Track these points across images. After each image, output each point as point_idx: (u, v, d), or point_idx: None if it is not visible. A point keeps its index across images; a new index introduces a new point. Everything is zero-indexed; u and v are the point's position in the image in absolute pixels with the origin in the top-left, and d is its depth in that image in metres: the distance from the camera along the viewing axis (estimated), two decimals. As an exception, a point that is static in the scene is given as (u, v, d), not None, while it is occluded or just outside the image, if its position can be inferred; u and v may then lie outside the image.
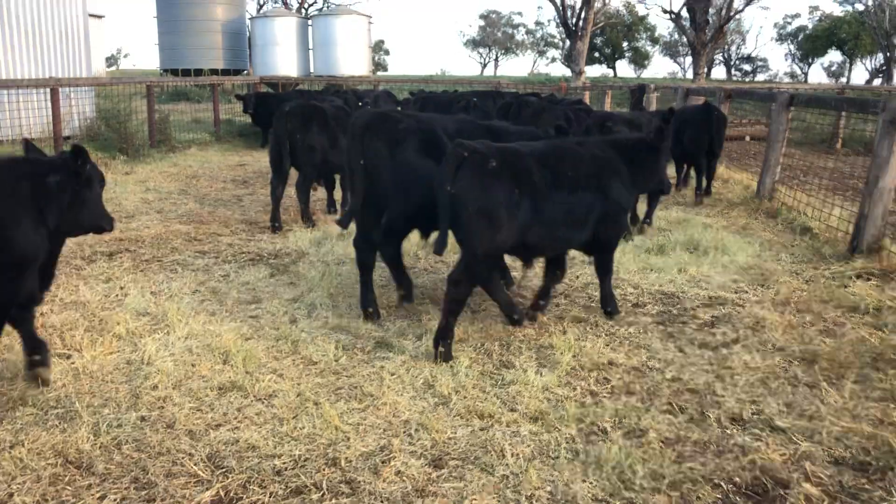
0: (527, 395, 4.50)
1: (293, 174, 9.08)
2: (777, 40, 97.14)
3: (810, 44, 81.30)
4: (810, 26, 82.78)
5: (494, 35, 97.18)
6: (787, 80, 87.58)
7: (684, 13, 39.83)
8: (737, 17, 46.62)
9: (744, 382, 4.76)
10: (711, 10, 39.14)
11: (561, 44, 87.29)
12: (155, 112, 15.72)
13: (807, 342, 5.44)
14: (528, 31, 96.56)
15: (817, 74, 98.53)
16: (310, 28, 35.79)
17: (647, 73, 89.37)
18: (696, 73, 38.49)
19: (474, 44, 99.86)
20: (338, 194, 9.91)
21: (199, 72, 34.09)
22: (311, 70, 35.84)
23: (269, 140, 9.83)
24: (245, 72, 37.53)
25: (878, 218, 7.40)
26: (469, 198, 4.85)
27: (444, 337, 5.02)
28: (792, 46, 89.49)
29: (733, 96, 13.14)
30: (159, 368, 4.75)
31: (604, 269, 5.89)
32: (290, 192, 9.37)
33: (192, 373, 4.74)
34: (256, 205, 10.45)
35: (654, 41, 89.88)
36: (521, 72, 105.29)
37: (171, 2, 35.32)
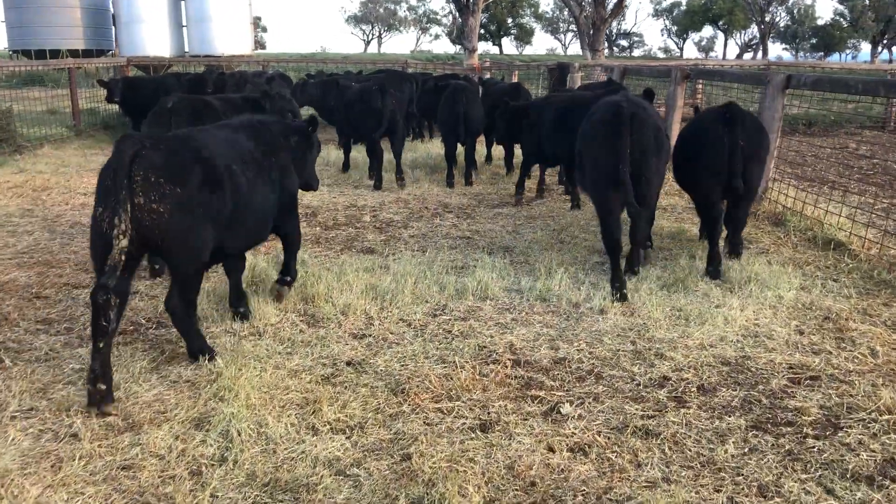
0: None
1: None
2: (653, 16, 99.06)
3: (688, 19, 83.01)
4: (684, 2, 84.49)
5: (376, 11, 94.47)
6: (661, 55, 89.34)
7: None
8: (629, -8, 45.98)
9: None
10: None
11: (445, 21, 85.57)
12: (-8, 104, 12.54)
13: None
14: (411, 8, 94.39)
15: (691, 50, 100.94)
16: (182, 3, 32.22)
17: (529, 51, 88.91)
18: (594, 50, 37.40)
19: (356, 20, 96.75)
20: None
21: (55, 53, 30.06)
22: (186, 49, 32.34)
23: None
24: (110, 52, 33.57)
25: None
26: None
27: None
28: (667, 21, 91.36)
29: (692, 76, 11.51)
30: None
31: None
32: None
33: None
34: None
35: (539, 17, 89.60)
36: (404, 49, 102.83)
37: (17, -27, 31.01)
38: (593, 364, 4.75)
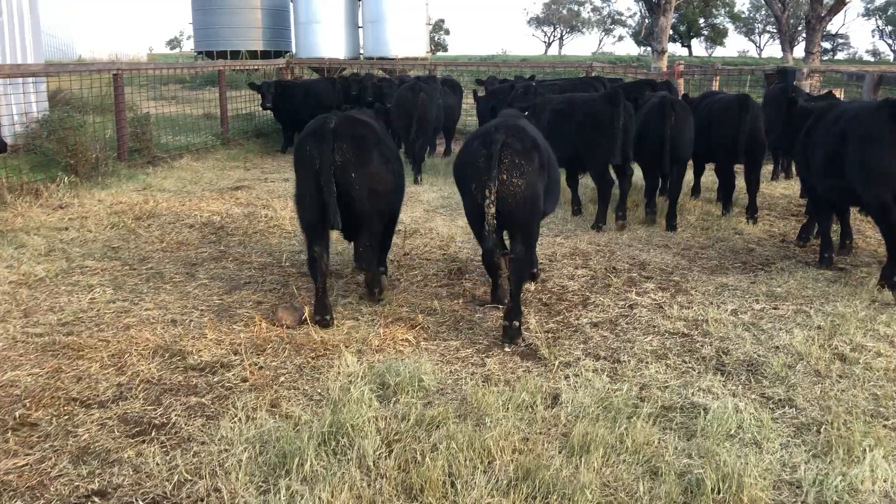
0: None
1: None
2: (864, 15, 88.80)
3: (904, 18, 73.43)
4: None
5: (559, 12, 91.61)
6: (868, 58, 79.59)
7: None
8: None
9: None
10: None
11: (630, 21, 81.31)
12: (125, 111, 11.26)
13: None
14: (595, 8, 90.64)
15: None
16: (360, 3, 31.29)
17: (719, 52, 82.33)
18: (809, 53, 32.62)
19: (538, 22, 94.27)
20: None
21: (235, 54, 30.04)
22: (361, 51, 31.38)
23: (301, 174, 5.33)
24: (288, 53, 33.31)
25: None
26: None
27: None
28: (880, 21, 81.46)
29: None
30: None
31: None
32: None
33: None
34: (217, 287, 5.97)
35: (734, 17, 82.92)
36: (586, 51, 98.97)
37: (204, -24, 31.36)
38: None
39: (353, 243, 5.68)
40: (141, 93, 15.84)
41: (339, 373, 4.37)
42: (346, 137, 5.05)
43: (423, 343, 4.94)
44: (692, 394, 4.23)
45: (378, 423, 3.70)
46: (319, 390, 4.20)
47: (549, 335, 5.09)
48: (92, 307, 5.48)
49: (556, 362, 4.62)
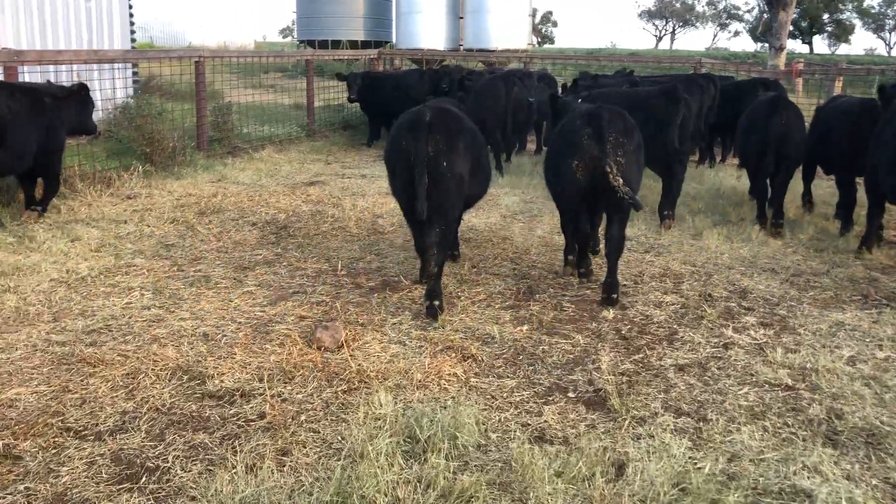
0: None
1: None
2: None
3: None
4: None
5: (672, 6, 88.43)
6: None
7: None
8: None
9: None
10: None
11: (748, 17, 77.61)
12: (206, 99, 11.02)
13: None
14: (710, 2, 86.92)
15: None
16: (462, -9, 30.73)
17: (843, 50, 77.42)
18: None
19: (649, 15, 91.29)
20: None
21: (336, 43, 30.09)
22: (461, 42, 30.82)
23: (394, 164, 5.39)
24: (388, 44, 33.12)
25: None
26: None
27: None
28: None
29: None
30: None
31: None
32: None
33: None
34: (263, 296, 5.49)
35: (863, 13, 77.72)
36: (699, 46, 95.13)
37: (310, -35, 31.57)
38: None
39: (421, 258, 5.55)
40: (231, 81, 15.79)
41: (366, 415, 3.76)
42: (440, 130, 5.09)
43: (472, 380, 4.27)
44: (794, 473, 3.39)
45: (395, 492, 3.06)
46: (341, 437, 3.60)
47: (624, 379, 4.32)
48: (124, 313, 5.08)
49: (628, 416, 3.86)
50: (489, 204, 8.37)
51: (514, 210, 8.44)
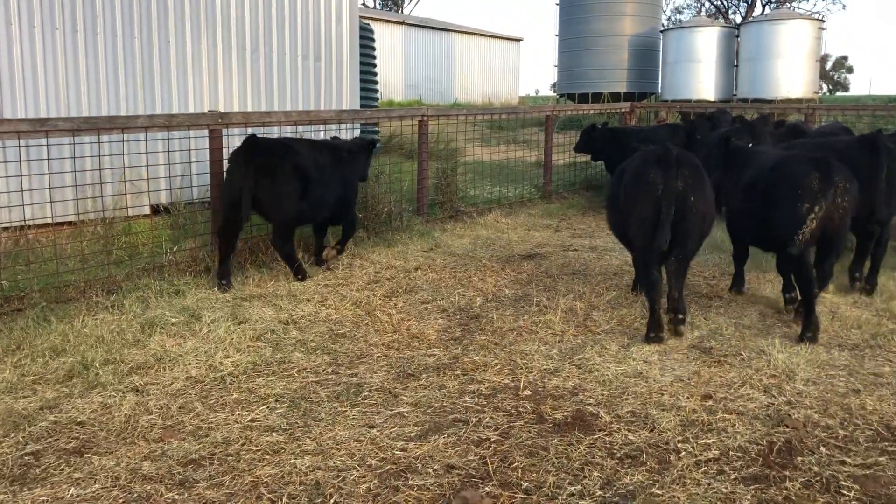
0: None
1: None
2: None
3: None
4: None
5: None
6: None
7: None
8: None
9: None
10: None
11: None
12: (428, 160, 10.23)
13: None
14: None
15: None
16: (736, 39, 28.15)
17: None
18: None
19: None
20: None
21: (597, 96, 28.94)
22: (735, 92, 28.13)
23: (641, 200, 5.57)
24: (653, 95, 31.28)
25: None
26: None
27: None
28: None
29: None
30: None
31: None
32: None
33: None
34: (414, 422, 4.25)
35: None
36: None
37: (572, 17, 30.94)
38: None
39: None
40: (467, 138, 15.10)
41: None
42: (687, 165, 5.45)
43: None
44: None
45: None
46: None
47: None
48: (241, 437, 4.10)
49: None
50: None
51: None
